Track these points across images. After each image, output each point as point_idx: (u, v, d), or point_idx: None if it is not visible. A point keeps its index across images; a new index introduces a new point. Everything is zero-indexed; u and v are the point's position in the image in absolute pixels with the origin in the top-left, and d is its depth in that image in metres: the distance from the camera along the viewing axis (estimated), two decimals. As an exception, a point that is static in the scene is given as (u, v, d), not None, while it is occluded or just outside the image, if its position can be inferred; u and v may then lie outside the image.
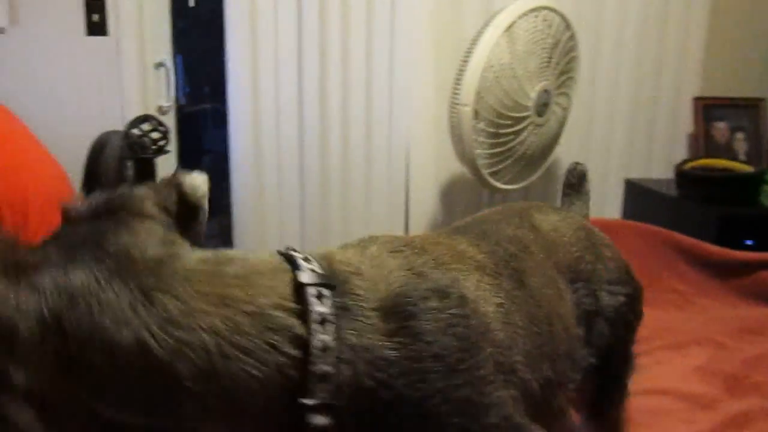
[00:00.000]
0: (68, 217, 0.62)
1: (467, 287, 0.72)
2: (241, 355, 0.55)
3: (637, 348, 1.34)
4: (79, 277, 0.53)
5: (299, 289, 0.60)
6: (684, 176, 2.33)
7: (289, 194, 2.45)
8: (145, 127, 1.75)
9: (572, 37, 2.16)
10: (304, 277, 0.61)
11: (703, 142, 2.63)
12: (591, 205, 2.66)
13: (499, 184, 2.13)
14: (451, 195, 2.58)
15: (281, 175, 2.43)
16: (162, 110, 2.46)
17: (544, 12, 2.04)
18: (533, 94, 2.05)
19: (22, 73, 2.34)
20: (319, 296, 0.60)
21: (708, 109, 2.64)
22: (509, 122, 2.04)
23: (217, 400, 0.55)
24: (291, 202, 2.46)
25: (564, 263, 0.93)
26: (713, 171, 2.32)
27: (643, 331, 1.43)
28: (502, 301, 0.76)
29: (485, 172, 2.07)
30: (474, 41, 1.98)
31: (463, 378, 0.64)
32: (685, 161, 2.43)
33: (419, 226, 2.56)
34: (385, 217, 2.52)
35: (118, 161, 1.87)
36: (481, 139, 2.03)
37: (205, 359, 0.54)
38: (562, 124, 2.24)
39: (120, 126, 2.34)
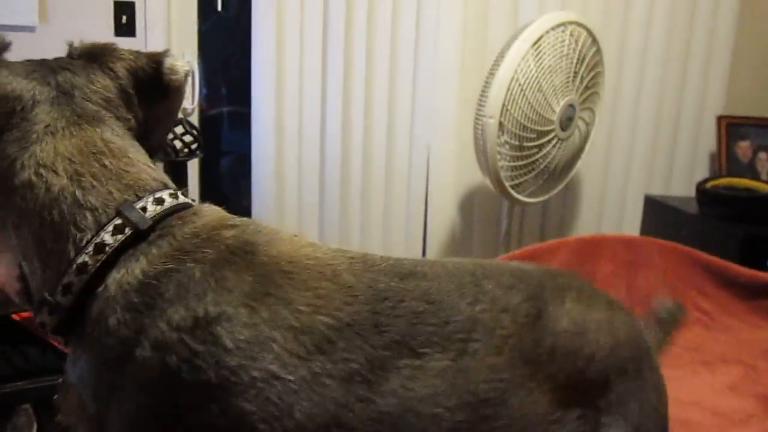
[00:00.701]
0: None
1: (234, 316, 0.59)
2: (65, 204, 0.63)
3: (666, 362, 1.33)
4: (24, 86, 0.67)
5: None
6: (706, 194, 2.32)
7: (309, 199, 2.46)
8: (178, 130, 1.76)
9: (598, 52, 2.16)
10: (147, 206, 0.65)
11: (725, 160, 2.62)
12: (609, 219, 2.68)
13: (521, 197, 2.13)
14: (470, 205, 2.58)
15: (302, 179, 2.44)
16: (186, 112, 2.47)
17: (572, 27, 2.04)
18: (558, 109, 2.05)
19: (50, 71, 2.36)
20: (119, 229, 0.63)
21: (731, 127, 2.63)
22: (533, 136, 2.04)
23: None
24: (311, 207, 2.47)
25: (563, 378, 0.66)
26: (736, 190, 2.31)
27: (672, 348, 1.43)
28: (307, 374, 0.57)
29: (508, 184, 2.07)
30: (501, 54, 1.98)
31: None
32: (706, 179, 2.42)
33: (438, 235, 2.56)
34: (403, 225, 2.53)
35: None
36: (505, 151, 2.03)
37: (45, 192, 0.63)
38: (585, 139, 2.24)
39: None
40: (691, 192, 2.52)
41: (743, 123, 2.63)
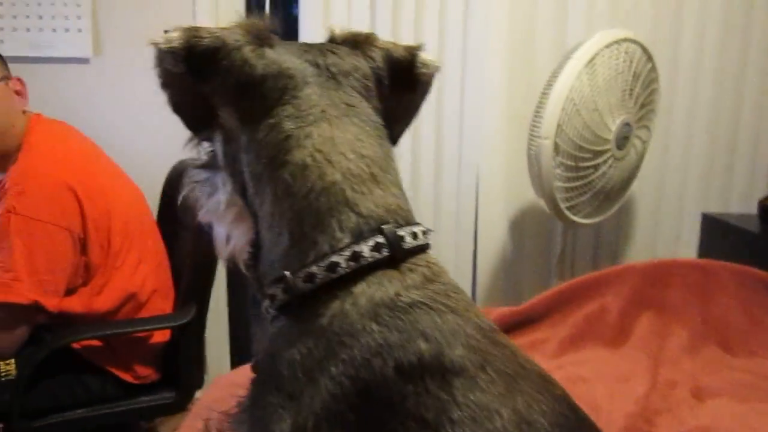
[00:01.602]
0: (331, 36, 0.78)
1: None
2: (327, 193, 0.65)
3: (742, 394, 1.25)
4: (296, 65, 0.70)
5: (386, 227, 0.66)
6: (769, 212, 2.24)
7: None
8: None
9: (653, 69, 2.11)
10: (406, 236, 0.67)
11: (786, 176, 2.52)
12: (665, 239, 2.60)
13: (576, 218, 2.09)
14: (521, 225, 2.53)
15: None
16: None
17: (626, 44, 2.00)
18: (614, 128, 2.01)
19: (104, 101, 2.41)
20: (380, 247, 0.65)
21: (792, 141, 2.54)
22: (589, 155, 2.00)
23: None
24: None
25: None
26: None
27: (747, 376, 1.36)
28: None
29: (563, 206, 2.02)
30: (554, 74, 1.95)
31: None
32: (769, 196, 2.34)
33: (488, 255, 2.52)
34: (453, 245, 2.49)
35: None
36: (560, 172, 1.99)
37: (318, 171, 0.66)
38: (641, 158, 2.19)
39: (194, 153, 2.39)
40: (751, 209, 2.43)
41: (804, 137, 2.54)
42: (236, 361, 2.03)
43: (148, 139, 2.41)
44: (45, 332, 1.66)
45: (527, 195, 2.46)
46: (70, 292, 1.65)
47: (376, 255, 0.64)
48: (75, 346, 1.66)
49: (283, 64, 0.69)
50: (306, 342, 0.62)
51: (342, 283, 0.63)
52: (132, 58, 2.41)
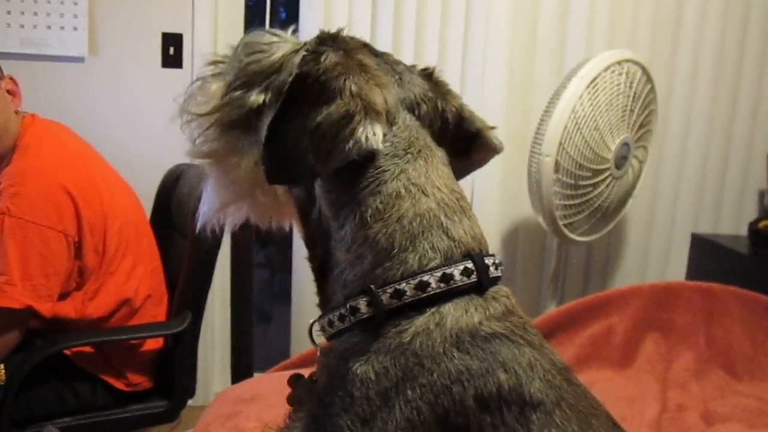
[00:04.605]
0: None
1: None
2: (415, 224, 0.66)
3: (757, 422, 1.26)
4: (398, 111, 0.70)
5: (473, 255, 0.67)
6: (759, 234, 2.27)
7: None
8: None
9: (652, 90, 2.13)
10: (490, 266, 0.68)
11: (775, 199, 2.57)
12: (655, 258, 2.62)
13: (573, 236, 2.10)
14: (514, 240, 2.54)
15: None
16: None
17: (627, 65, 2.02)
18: (613, 147, 2.02)
19: (99, 100, 2.37)
20: (469, 272, 0.66)
21: (781, 166, 2.58)
22: (589, 174, 2.01)
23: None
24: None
25: None
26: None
27: (754, 402, 1.37)
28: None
29: (561, 223, 2.03)
30: (557, 93, 1.96)
31: None
32: (759, 219, 2.37)
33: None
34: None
35: (196, 193, 1.86)
36: (559, 189, 1.99)
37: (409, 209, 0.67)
38: (637, 177, 2.21)
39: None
40: (740, 230, 2.47)
41: (793, 161, 2.58)
42: (238, 374, 2.00)
43: (143, 140, 2.38)
44: (35, 337, 1.62)
45: (521, 211, 2.46)
46: (63, 296, 1.61)
47: (465, 280, 0.64)
48: (66, 352, 1.62)
49: (391, 107, 0.70)
50: (383, 360, 0.62)
51: (430, 302, 0.63)
52: (128, 58, 2.38)
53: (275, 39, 0.73)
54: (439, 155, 0.71)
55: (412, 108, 0.72)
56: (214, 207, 0.80)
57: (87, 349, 1.65)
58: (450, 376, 0.60)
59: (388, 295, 0.63)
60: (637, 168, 2.18)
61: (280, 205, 0.77)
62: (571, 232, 2.09)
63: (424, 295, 0.63)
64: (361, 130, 0.64)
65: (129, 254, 1.71)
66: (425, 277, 0.63)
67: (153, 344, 1.74)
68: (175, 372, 1.72)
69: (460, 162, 0.79)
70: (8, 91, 1.65)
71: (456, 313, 0.63)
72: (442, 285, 0.63)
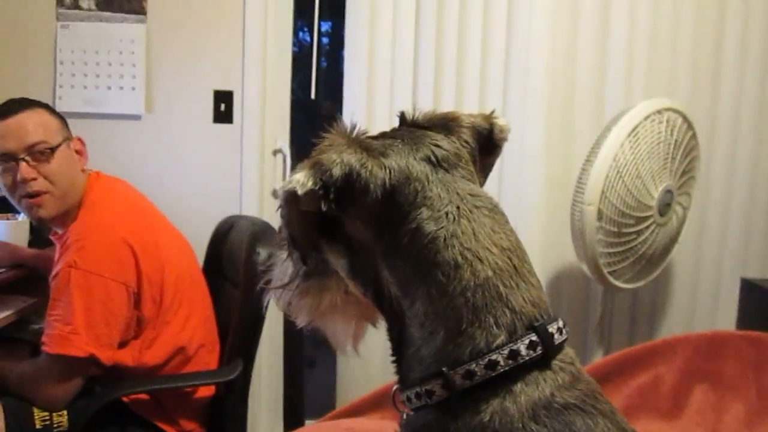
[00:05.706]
0: (404, 120, 0.79)
1: None
2: (481, 292, 0.67)
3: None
4: (417, 167, 0.70)
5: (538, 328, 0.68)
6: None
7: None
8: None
9: (694, 137, 2.14)
10: (554, 333, 0.68)
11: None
12: (703, 304, 2.58)
13: (618, 283, 2.09)
14: (558, 287, 2.54)
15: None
16: (276, 194, 2.55)
17: (668, 113, 2.04)
18: (656, 194, 2.03)
19: (155, 155, 2.49)
20: (534, 346, 0.67)
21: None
22: (632, 222, 2.02)
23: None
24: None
25: None
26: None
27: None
28: None
29: (605, 270, 2.03)
30: (598, 142, 1.99)
31: None
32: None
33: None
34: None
35: (247, 244, 1.92)
36: (602, 237, 2.00)
37: (464, 273, 0.67)
38: (682, 224, 2.20)
39: (238, 206, 2.46)
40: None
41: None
42: (290, 422, 2.03)
43: (195, 193, 2.47)
44: (95, 384, 1.68)
45: (565, 259, 2.47)
46: (121, 345, 1.68)
47: (531, 353, 0.65)
48: (123, 398, 1.68)
49: (407, 170, 0.70)
50: None
51: (501, 380, 0.65)
52: (182, 115, 2.50)
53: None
54: (477, 204, 0.71)
55: (429, 159, 0.72)
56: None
57: (143, 395, 1.70)
58: None
59: (459, 376, 0.65)
60: (681, 214, 2.18)
61: (364, 308, 0.80)
62: (616, 279, 2.09)
63: (494, 374, 0.65)
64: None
65: (184, 304, 1.78)
66: (493, 356, 0.65)
67: (205, 392, 1.79)
68: (226, 419, 1.76)
69: (491, 159, 0.82)
70: (76, 151, 1.76)
71: (528, 389, 0.65)
72: (510, 362, 0.65)
